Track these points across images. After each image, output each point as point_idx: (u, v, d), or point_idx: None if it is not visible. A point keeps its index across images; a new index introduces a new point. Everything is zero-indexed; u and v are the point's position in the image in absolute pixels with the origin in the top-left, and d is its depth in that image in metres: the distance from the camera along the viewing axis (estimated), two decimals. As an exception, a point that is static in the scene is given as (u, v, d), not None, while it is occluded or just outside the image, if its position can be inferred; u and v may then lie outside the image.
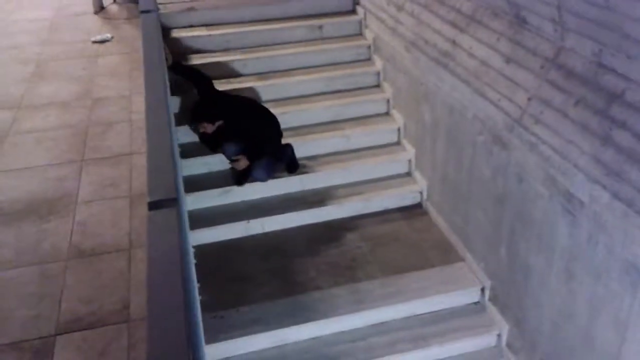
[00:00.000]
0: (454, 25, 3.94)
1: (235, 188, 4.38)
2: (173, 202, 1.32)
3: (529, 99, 3.08)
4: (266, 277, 3.67)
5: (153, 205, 1.31)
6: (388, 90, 5.15)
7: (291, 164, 4.57)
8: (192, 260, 2.25)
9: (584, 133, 2.62)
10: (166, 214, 1.31)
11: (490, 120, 3.39)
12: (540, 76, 3.04)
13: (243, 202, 4.40)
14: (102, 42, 5.36)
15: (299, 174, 4.59)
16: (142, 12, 2.14)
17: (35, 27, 5.84)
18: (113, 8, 6.17)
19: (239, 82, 5.38)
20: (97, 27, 5.78)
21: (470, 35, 3.72)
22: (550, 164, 2.79)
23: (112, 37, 5.46)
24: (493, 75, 3.43)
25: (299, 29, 5.76)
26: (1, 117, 4.06)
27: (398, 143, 4.95)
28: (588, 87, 2.67)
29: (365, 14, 5.58)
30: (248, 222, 4.20)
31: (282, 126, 4.96)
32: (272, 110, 4.90)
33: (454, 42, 3.90)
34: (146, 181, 1.49)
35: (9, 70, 4.91)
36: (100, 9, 6.14)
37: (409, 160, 4.73)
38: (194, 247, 2.86)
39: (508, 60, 3.33)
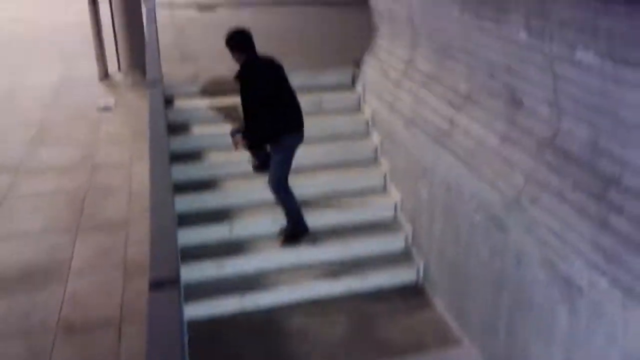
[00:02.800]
0: (451, 104, 4.03)
1: (229, 260, 4.34)
2: (175, 283, 1.29)
3: (526, 180, 3.10)
4: (259, 358, 3.55)
5: (155, 286, 1.29)
6: (385, 165, 5.19)
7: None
8: (186, 336, 2.19)
9: (581, 217, 2.62)
10: (167, 295, 1.29)
11: (487, 200, 3.40)
12: (537, 158, 3.08)
13: (237, 274, 4.34)
14: (105, 108, 5.44)
15: (294, 247, 4.54)
16: (150, 83, 2.18)
17: (41, 91, 5.95)
18: (117, 75, 6.31)
19: (240, 151, 5.43)
20: (101, 94, 5.89)
21: (467, 114, 3.80)
22: (549, 247, 2.78)
23: (116, 104, 5.55)
24: (489, 155, 3.47)
25: (301, 101, 5.88)
26: (0, 181, 4.05)
27: (394, 219, 4.94)
28: (585, 171, 2.70)
29: (364, 90, 5.71)
30: (242, 296, 4.13)
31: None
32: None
33: (451, 121, 3.97)
34: (148, 260, 1.47)
35: (11, 133, 4.96)
36: (105, 76, 6.27)
37: (406, 237, 4.71)
38: (187, 321, 2.80)
39: (504, 140, 3.39)
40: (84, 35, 7.50)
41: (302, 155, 5.45)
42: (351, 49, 6.95)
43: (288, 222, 4.54)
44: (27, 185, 4.02)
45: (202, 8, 10.09)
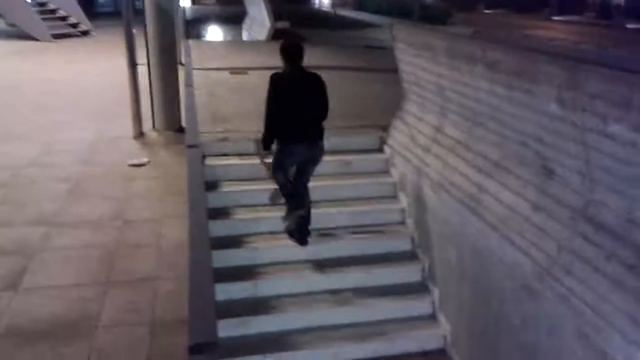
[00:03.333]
0: (480, 170, 4.05)
1: (252, 318, 4.31)
2: (214, 346, 1.30)
3: (559, 249, 3.07)
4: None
5: (195, 350, 1.29)
6: (413, 228, 5.18)
7: None
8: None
9: (617, 289, 2.57)
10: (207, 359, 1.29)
11: (518, 267, 3.36)
12: (570, 227, 3.05)
13: (261, 334, 4.29)
14: (139, 165, 5.58)
15: (319, 310, 4.51)
16: (189, 146, 2.25)
17: (77, 147, 6.14)
18: (152, 134, 6.49)
19: (266, 211, 5.48)
20: (135, 151, 6.05)
21: (497, 181, 3.81)
22: (584, 319, 2.72)
23: (149, 162, 5.69)
24: (521, 222, 3.45)
25: (329, 163, 5.94)
26: (34, 233, 4.14)
27: (422, 283, 4.89)
28: (620, 242, 2.67)
29: (392, 153, 5.76)
30: (265, 357, 4.08)
31: (305, 257, 4.98)
32: (296, 248, 4.97)
33: (480, 187, 3.98)
34: (176, 318, 1.48)
35: (47, 187, 5.09)
36: (139, 134, 6.46)
37: (433, 302, 4.64)
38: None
39: (536, 208, 3.37)
40: (121, 95, 7.79)
41: (330, 216, 5.49)
42: (380, 113, 7.08)
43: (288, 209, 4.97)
44: (60, 238, 4.09)
45: (234, 71, 10.41)
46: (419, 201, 5.06)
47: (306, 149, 4.66)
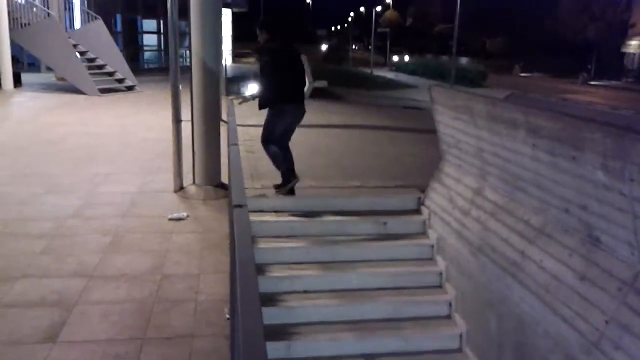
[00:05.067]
0: (522, 236, 3.98)
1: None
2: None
3: (607, 322, 2.96)
4: None
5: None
6: (451, 292, 5.08)
7: None
8: None
9: (672, 368, 2.45)
10: None
11: (564, 339, 3.24)
12: (618, 298, 2.95)
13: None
14: (178, 219, 5.66)
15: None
16: (236, 206, 2.28)
17: (119, 200, 6.27)
18: (192, 188, 6.60)
19: (300, 270, 5.46)
20: (174, 205, 6.15)
21: (540, 248, 3.73)
22: (636, 398, 2.59)
23: (188, 216, 5.77)
24: (566, 291, 3.35)
25: (364, 223, 5.95)
26: (73, 285, 4.19)
27: (460, 351, 4.75)
28: (673, 318, 2.56)
29: (429, 215, 5.73)
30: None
31: (339, 318, 4.92)
32: (331, 302, 4.93)
33: (522, 253, 3.90)
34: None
35: (88, 239, 5.19)
36: (179, 188, 6.58)
37: (472, 370, 4.49)
38: None
39: (582, 277, 3.28)
40: (163, 150, 8.00)
41: (365, 277, 5.44)
42: (416, 173, 7.10)
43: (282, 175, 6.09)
44: (99, 291, 4.13)
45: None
46: (457, 265, 4.98)
47: (298, 108, 5.99)
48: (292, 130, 6.19)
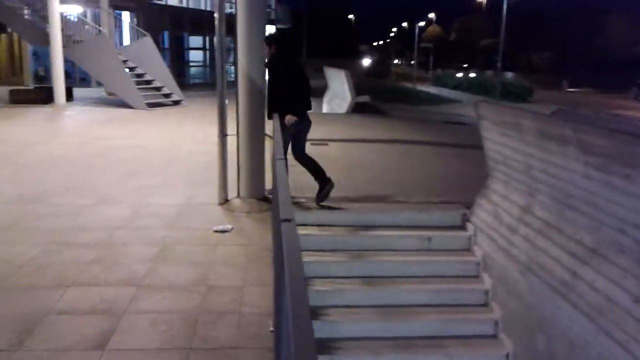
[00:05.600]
0: (573, 255, 3.88)
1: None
2: None
3: (665, 347, 2.85)
4: None
5: None
6: (497, 311, 4.98)
7: None
8: None
9: None
10: None
11: (618, 363, 3.13)
12: (676, 323, 2.84)
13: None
14: (223, 232, 5.74)
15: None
16: (284, 220, 2.29)
17: (166, 211, 6.40)
18: (236, 201, 6.68)
19: (344, 284, 5.45)
20: (219, 218, 6.24)
21: (593, 268, 3.62)
22: None
23: (232, 229, 5.84)
24: (620, 314, 3.24)
25: (408, 238, 5.91)
26: (122, 294, 4.29)
27: (507, 370, 4.64)
28: None
29: (475, 231, 5.65)
30: None
31: (382, 334, 4.88)
32: (373, 317, 4.88)
33: (574, 273, 3.79)
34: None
35: (136, 249, 5.30)
36: (224, 201, 6.68)
37: (519, 392, 4.38)
38: None
39: (636, 299, 3.17)
40: (208, 163, 8.14)
41: (408, 293, 5.39)
42: (461, 189, 7.01)
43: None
44: (147, 301, 4.21)
45: (315, 142, 10.67)
46: (504, 283, 4.88)
47: (307, 121, 6.37)
48: (302, 140, 6.51)
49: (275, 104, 6.20)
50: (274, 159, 5.61)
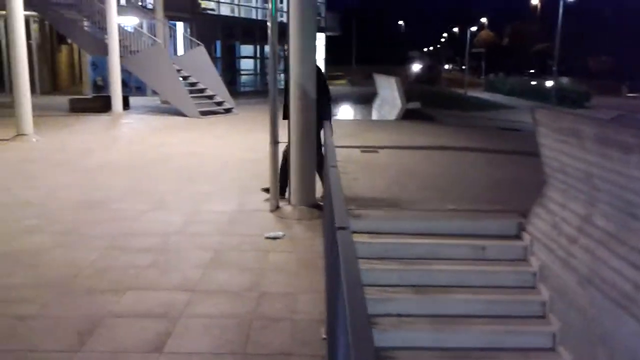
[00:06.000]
0: (636, 267, 3.72)
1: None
2: None
3: None
4: None
5: None
6: (555, 323, 4.83)
7: None
8: None
9: None
10: None
11: (687, 381, 2.98)
12: None
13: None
14: (274, 238, 5.79)
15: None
16: (339, 228, 2.29)
17: (218, 218, 6.52)
18: (287, 208, 6.73)
19: (394, 293, 5.40)
20: (271, 224, 6.30)
21: (658, 281, 3.47)
22: None
23: (284, 235, 5.88)
24: (689, 330, 3.09)
25: (461, 247, 5.80)
26: (177, 299, 4.38)
27: (566, 385, 4.49)
28: None
29: (531, 241, 5.50)
30: None
31: (434, 344, 4.80)
32: (425, 327, 4.83)
33: (637, 285, 3.64)
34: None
35: (190, 254, 5.41)
36: (276, 208, 6.74)
37: (579, 408, 4.22)
38: None
39: None
40: (260, 170, 8.24)
41: (461, 302, 5.29)
42: (516, 197, 6.85)
43: None
44: (201, 305, 4.29)
45: (365, 149, 10.67)
46: (562, 295, 4.73)
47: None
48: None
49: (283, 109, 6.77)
50: (325, 167, 5.64)
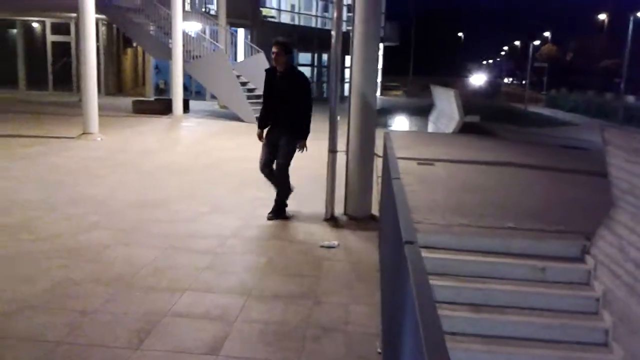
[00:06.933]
0: None
1: None
2: None
3: None
4: None
5: None
6: (617, 353, 4.63)
7: None
8: None
9: None
10: None
11: None
12: None
13: None
14: (329, 247, 5.78)
15: None
16: (407, 242, 2.26)
17: (273, 224, 6.58)
18: (342, 218, 6.73)
19: (448, 309, 5.30)
20: (325, 233, 6.30)
21: None
22: None
23: (339, 245, 5.87)
24: None
25: (520, 267, 5.65)
26: (233, 302, 4.43)
27: (629, 419, 4.28)
28: None
29: (595, 265, 5.30)
30: None
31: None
32: (480, 347, 4.70)
33: None
34: None
35: (246, 258, 5.48)
36: (330, 217, 6.74)
37: None
38: None
39: None
40: (314, 178, 8.26)
41: (518, 325, 5.14)
42: (580, 218, 6.62)
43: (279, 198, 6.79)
44: (256, 310, 4.31)
45: (422, 162, 10.56)
46: (627, 322, 4.53)
47: (272, 136, 6.66)
48: (270, 155, 6.65)
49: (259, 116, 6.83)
50: (385, 177, 5.61)
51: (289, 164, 6.63)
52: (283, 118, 6.49)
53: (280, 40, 6.42)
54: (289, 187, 6.74)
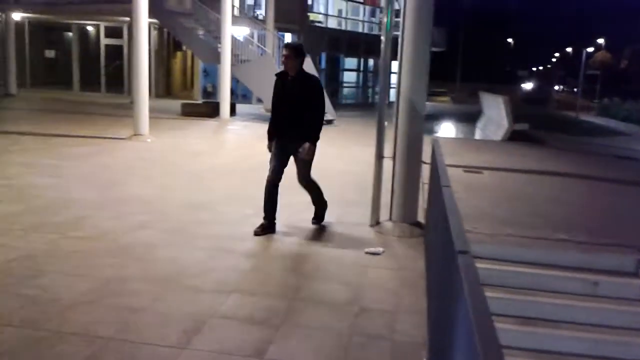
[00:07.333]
0: None
1: None
2: None
3: None
4: None
5: None
6: (676, 374, 4.42)
7: None
8: None
9: None
10: None
11: None
12: None
13: None
14: (374, 254, 5.74)
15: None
16: (460, 252, 2.21)
17: (317, 229, 6.58)
18: (388, 224, 6.67)
19: (498, 322, 5.17)
20: (370, 239, 6.26)
21: None
22: None
23: (384, 251, 5.82)
24: None
25: (572, 280, 5.47)
26: (278, 306, 4.44)
27: None
28: None
29: (652, 281, 5.08)
30: None
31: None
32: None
33: None
34: None
35: (290, 262, 5.51)
36: (376, 223, 6.69)
37: None
38: None
39: None
40: (359, 183, 8.24)
41: (567, 340, 4.97)
42: (636, 232, 6.38)
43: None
44: (301, 315, 4.31)
45: (469, 169, 10.38)
46: (687, 343, 4.33)
47: (282, 144, 6.44)
48: (281, 163, 6.44)
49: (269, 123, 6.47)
50: (433, 184, 5.53)
51: (310, 170, 6.49)
52: (294, 124, 6.17)
53: (291, 44, 6.34)
54: (319, 189, 6.63)
